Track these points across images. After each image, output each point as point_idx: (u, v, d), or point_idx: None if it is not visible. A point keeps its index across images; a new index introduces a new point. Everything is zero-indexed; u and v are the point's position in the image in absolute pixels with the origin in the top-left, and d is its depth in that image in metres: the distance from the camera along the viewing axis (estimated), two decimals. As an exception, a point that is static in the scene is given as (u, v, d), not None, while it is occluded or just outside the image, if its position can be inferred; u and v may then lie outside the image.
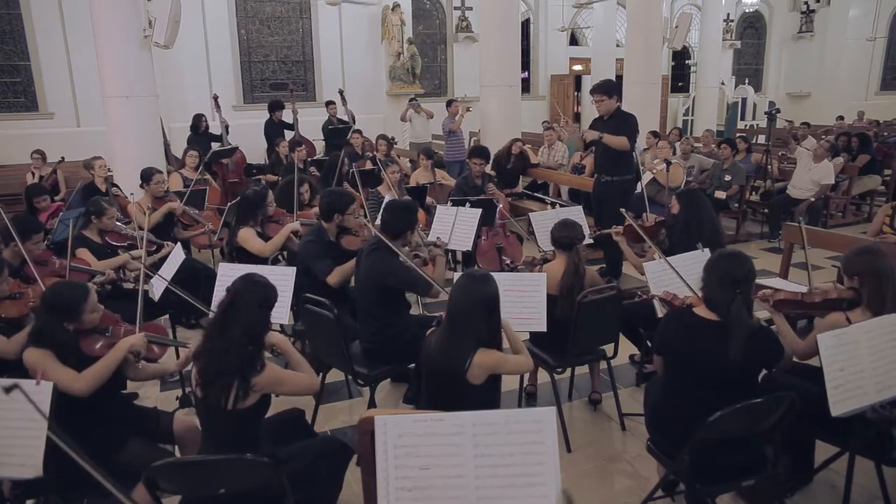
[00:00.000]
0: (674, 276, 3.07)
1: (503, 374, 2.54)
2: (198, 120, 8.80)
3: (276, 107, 9.18)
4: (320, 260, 3.72)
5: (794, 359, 2.86)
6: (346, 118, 9.84)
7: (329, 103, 9.98)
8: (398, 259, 3.34)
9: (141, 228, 4.46)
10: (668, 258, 3.23)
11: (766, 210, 7.75)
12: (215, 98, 9.22)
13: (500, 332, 2.52)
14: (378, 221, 3.75)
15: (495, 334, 2.48)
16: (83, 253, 4.07)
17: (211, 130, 9.02)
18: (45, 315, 2.48)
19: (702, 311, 2.45)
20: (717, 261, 2.48)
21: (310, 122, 9.77)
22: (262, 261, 4.27)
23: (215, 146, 8.47)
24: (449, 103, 9.19)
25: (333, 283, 3.66)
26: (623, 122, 5.30)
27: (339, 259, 3.80)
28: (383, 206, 3.50)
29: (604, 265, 5.58)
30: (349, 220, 3.92)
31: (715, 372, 2.35)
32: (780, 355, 2.44)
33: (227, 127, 8.88)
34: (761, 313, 2.88)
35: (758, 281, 2.80)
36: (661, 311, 3.13)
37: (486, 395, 2.44)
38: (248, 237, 4.36)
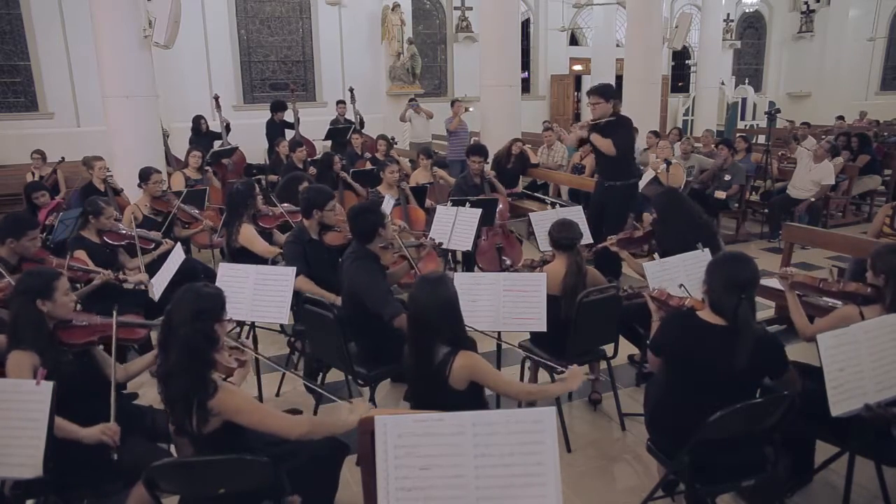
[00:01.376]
0: (674, 278, 3.06)
1: (487, 387, 2.43)
2: (197, 122, 8.80)
3: (278, 107, 9.17)
4: (292, 262, 3.70)
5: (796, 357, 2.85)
6: (353, 118, 9.83)
7: (339, 102, 10.02)
8: (374, 275, 3.25)
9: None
10: (665, 259, 3.22)
11: (766, 210, 7.75)
12: (216, 98, 9.23)
13: (464, 329, 2.44)
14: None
15: (463, 331, 2.42)
16: (80, 254, 4.08)
17: (212, 129, 9.02)
18: (17, 298, 2.47)
19: (706, 314, 2.41)
20: (720, 264, 2.41)
21: (310, 122, 9.77)
22: (262, 260, 4.27)
23: (217, 144, 8.49)
24: (453, 103, 9.20)
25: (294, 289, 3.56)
26: (614, 131, 5.19)
27: (322, 256, 3.79)
28: (347, 215, 3.45)
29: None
30: (328, 216, 3.89)
31: (715, 376, 2.32)
32: (783, 365, 2.36)
33: (227, 126, 8.88)
34: (760, 313, 2.88)
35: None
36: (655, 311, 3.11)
37: (471, 405, 2.34)
38: (251, 238, 4.36)
